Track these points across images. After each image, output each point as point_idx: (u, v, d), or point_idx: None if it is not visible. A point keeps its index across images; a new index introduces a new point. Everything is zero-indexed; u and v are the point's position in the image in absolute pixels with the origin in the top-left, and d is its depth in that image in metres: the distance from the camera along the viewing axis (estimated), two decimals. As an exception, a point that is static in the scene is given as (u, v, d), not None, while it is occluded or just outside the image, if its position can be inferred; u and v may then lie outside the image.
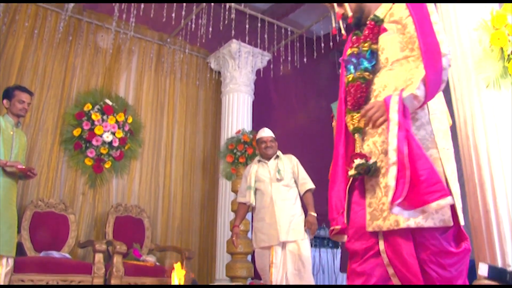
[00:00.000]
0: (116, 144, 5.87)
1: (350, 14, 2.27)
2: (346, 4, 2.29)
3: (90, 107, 5.76)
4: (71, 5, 5.43)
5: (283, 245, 4.15)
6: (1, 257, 3.72)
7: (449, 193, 1.75)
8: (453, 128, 3.65)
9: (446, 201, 1.73)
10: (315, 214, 4.21)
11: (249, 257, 5.68)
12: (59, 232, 5.14)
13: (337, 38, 6.13)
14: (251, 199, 4.40)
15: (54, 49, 5.78)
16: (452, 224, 1.89)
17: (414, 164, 1.78)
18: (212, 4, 5.93)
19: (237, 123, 6.50)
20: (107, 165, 5.83)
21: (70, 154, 5.65)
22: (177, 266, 4.58)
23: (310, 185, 4.35)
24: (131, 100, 6.36)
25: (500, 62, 3.31)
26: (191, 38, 6.43)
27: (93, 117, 5.73)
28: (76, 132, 5.65)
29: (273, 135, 4.55)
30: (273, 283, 4.12)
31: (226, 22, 5.84)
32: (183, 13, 5.85)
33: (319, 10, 6.40)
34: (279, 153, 4.50)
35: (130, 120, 6.10)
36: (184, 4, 5.78)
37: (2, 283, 3.69)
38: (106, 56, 6.21)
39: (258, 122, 6.71)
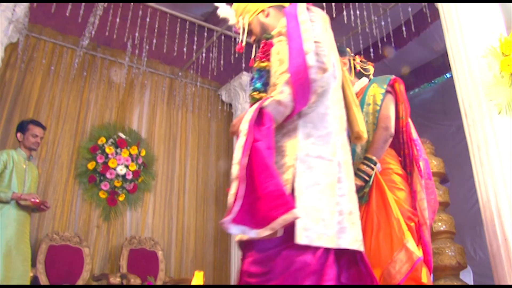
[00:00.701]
0: (129, 177, 5.91)
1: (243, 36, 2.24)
2: (243, 24, 2.24)
3: (104, 140, 5.85)
4: (86, 41, 5.56)
5: None
6: (17, 290, 3.74)
7: (294, 205, 1.57)
8: (466, 154, 3.66)
9: (291, 215, 1.54)
10: None
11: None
12: (73, 266, 5.14)
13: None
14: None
15: (69, 85, 5.91)
16: (280, 234, 1.62)
17: (258, 177, 1.62)
18: (222, 37, 6.05)
19: (249, 154, 6.52)
20: (121, 198, 5.87)
21: (84, 187, 5.70)
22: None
23: None
24: (144, 133, 6.43)
25: (511, 88, 3.33)
26: (202, 71, 6.55)
27: (107, 150, 5.81)
28: (91, 165, 5.71)
29: None
30: None
31: (236, 55, 5.94)
32: (194, 47, 5.96)
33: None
34: None
35: (143, 153, 6.16)
36: (195, 38, 5.90)
37: None
38: (119, 91, 6.32)
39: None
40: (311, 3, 2.05)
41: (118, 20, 5.49)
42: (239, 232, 1.62)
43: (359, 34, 5.90)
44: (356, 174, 2.44)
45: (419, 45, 6.70)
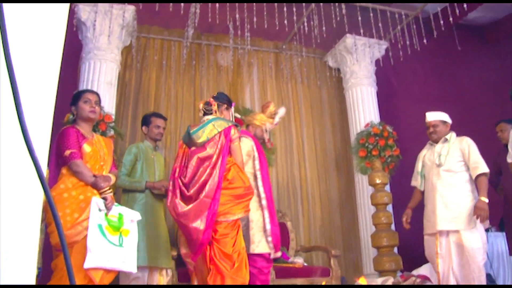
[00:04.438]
0: (249, 154, 6.13)
1: None
2: None
3: (221, 124, 6.10)
4: (191, 32, 5.83)
5: (447, 234, 3.98)
6: (162, 268, 4.10)
7: None
8: None
9: None
10: (486, 200, 3.85)
11: (396, 250, 5.57)
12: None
13: (457, 11, 5.82)
14: (419, 183, 4.35)
15: (181, 75, 6.26)
16: None
17: None
18: (321, 4, 5.98)
19: (365, 117, 6.42)
20: (244, 176, 6.10)
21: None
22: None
23: (482, 169, 3.96)
24: (258, 110, 6.58)
25: None
26: (306, 40, 6.52)
27: (226, 132, 6.06)
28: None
29: (440, 118, 4.30)
30: (440, 274, 4.00)
31: (337, 18, 5.83)
32: (294, 18, 5.96)
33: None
34: (450, 135, 4.24)
35: (259, 129, 6.33)
36: (294, 8, 5.89)
37: None
38: (228, 73, 6.55)
39: (385, 112, 6.59)
40: None
41: (217, 5, 5.66)
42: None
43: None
44: None
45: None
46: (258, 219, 3.86)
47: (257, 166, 3.93)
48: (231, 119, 3.85)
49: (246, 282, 3.36)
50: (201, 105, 3.83)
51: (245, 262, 3.43)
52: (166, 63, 6.20)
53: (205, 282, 3.35)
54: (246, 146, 3.94)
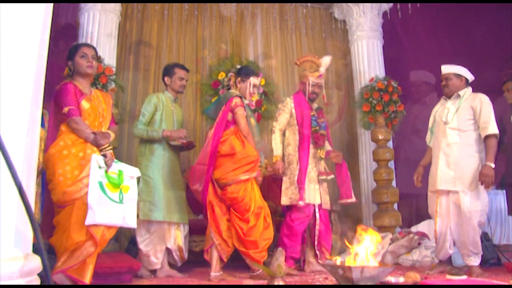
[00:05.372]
0: (253, 107, 6.05)
1: None
2: None
3: (224, 75, 5.98)
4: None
5: (448, 194, 3.92)
6: (178, 224, 4.14)
7: None
8: None
9: None
10: (492, 165, 3.69)
11: (396, 206, 5.61)
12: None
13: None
14: (428, 140, 4.30)
15: (183, 26, 6.12)
16: None
17: None
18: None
19: (369, 71, 6.31)
20: (247, 129, 6.07)
21: (212, 122, 5.97)
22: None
23: (491, 129, 3.75)
24: (261, 62, 6.48)
25: None
26: (312, -10, 6.33)
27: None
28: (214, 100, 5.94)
29: (454, 70, 4.05)
30: (437, 233, 4.01)
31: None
32: (300, -33, 5.76)
33: None
34: (464, 91, 4.01)
35: (262, 82, 6.23)
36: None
37: (182, 246, 4.12)
38: (231, 24, 6.39)
39: (391, 67, 6.47)
40: None
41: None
42: None
43: None
44: None
45: None
46: (292, 172, 4.31)
47: (294, 122, 4.40)
48: (249, 91, 4.14)
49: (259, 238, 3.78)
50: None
51: (264, 217, 3.87)
52: (168, 13, 6.04)
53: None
54: (289, 105, 4.49)
